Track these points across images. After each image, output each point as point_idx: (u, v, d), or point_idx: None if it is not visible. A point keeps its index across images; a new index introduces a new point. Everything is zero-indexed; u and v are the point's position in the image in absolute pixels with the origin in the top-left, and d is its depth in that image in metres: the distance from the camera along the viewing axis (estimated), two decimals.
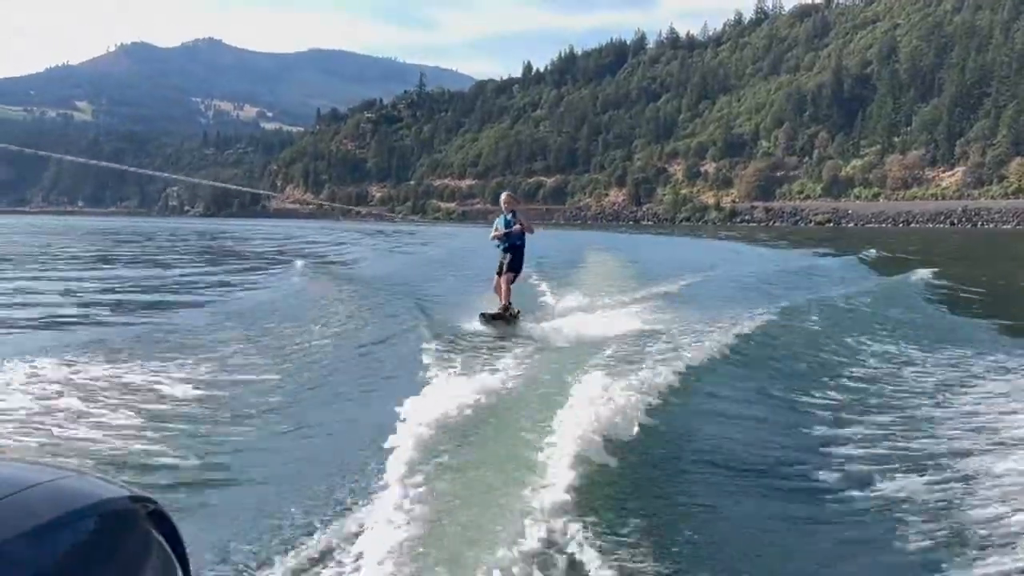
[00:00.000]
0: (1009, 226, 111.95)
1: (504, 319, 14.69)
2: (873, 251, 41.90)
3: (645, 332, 13.41)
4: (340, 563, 4.84)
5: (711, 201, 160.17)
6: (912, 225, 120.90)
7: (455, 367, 10.13)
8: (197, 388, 10.21)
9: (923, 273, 25.80)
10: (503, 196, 16.85)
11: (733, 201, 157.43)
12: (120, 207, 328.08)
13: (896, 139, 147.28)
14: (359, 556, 4.84)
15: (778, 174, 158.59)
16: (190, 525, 4.45)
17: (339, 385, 10.71)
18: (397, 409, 7.24)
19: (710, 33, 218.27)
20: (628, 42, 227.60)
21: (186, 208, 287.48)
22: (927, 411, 9.16)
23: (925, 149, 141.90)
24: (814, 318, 15.33)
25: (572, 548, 4.91)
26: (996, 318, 17.74)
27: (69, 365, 10.84)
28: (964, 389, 10.26)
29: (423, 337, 12.85)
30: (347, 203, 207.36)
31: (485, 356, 11.64)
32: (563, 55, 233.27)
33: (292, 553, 4.98)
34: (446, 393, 7.88)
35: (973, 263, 40.98)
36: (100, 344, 12.99)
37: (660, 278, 24.36)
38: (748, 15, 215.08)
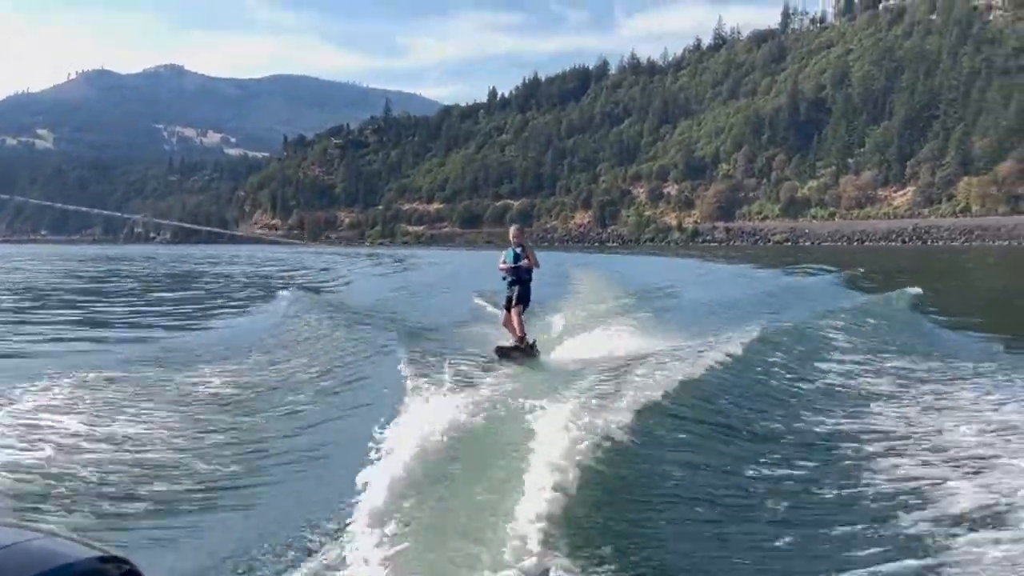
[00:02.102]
0: (957, 243, 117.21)
1: (521, 351, 14.49)
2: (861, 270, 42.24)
3: (628, 355, 13.55)
4: None
5: (674, 222, 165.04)
6: (866, 243, 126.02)
7: (435, 393, 10.00)
8: (173, 417, 10.29)
9: (912, 290, 26.21)
10: (512, 229, 16.20)
11: (695, 222, 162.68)
12: (85, 235, 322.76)
13: (850, 160, 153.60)
14: None
15: (738, 195, 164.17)
16: (167, 557, 5.68)
17: (319, 412, 10.78)
18: (376, 435, 7.47)
19: (670, 58, 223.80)
20: (591, 68, 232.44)
21: (152, 235, 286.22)
22: (912, 431, 9.24)
23: (877, 170, 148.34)
24: (795, 338, 15.46)
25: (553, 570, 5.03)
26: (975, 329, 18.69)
27: (50, 391, 11.03)
28: (953, 408, 10.33)
29: (405, 362, 12.82)
30: (316, 227, 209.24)
31: (463, 382, 11.62)
32: (527, 81, 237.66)
33: None
34: (424, 420, 7.92)
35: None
36: (78, 373, 12.87)
37: (641, 299, 25.09)
38: (706, 39, 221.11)
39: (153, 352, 16.59)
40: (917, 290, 26.01)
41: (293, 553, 5.55)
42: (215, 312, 28.10)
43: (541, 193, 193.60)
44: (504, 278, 15.33)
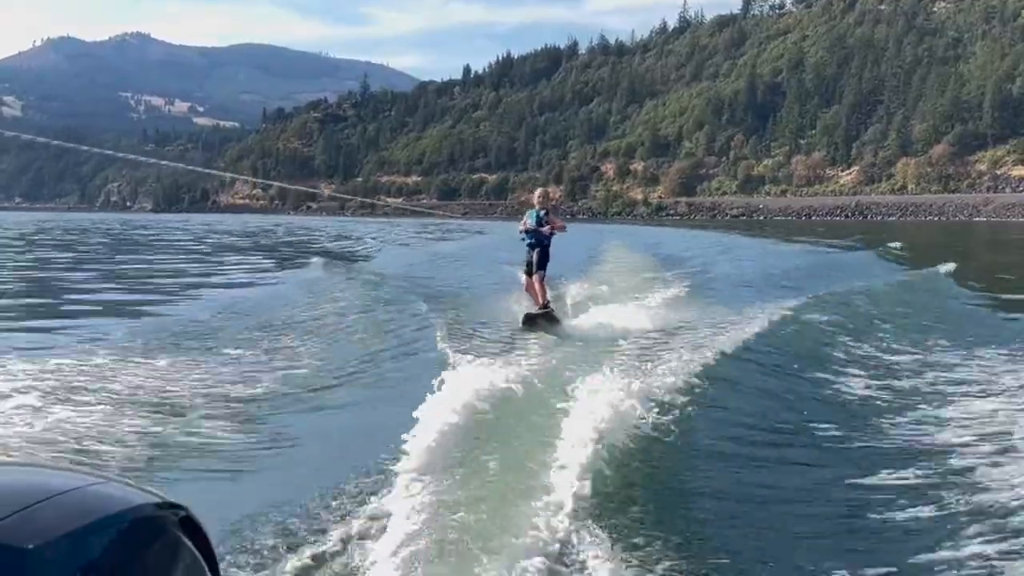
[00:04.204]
0: (894, 218, 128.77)
1: (545, 318, 14.17)
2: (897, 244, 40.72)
3: (662, 326, 13.52)
4: (351, 563, 4.93)
5: (639, 197, 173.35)
6: (813, 218, 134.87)
7: (468, 364, 9.83)
8: (208, 384, 10.24)
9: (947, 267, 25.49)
10: (537, 192, 16.05)
11: (659, 197, 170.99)
12: (59, 203, 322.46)
13: (802, 141, 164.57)
14: (369, 557, 4.92)
15: (699, 172, 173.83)
16: (217, 506, 5.85)
17: (352, 382, 10.72)
18: (408, 407, 7.40)
19: (637, 40, 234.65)
20: (561, 47, 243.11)
21: (128, 204, 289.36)
22: (939, 407, 9.06)
23: (826, 151, 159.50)
24: (833, 309, 14.97)
25: (584, 548, 5.00)
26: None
27: (77, 361, 10.87)
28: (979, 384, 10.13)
29: (436, 332, 12.74)
30: (298, 200, 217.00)
31: (496, 353, 11.50)
32: (501, 59, 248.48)
33: (302, 553, 5.05)
34: (459, 391, 7.79)
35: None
36: (108, 339, 12.90)
37: (671, 270, 25.65)
38: (671, 19, 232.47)
39: (197, 315, 16.87)
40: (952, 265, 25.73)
41: (335, 509, 5.72)
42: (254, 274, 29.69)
43: (515, 168, 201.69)
44: (523, 239, 15.15)
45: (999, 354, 11.95)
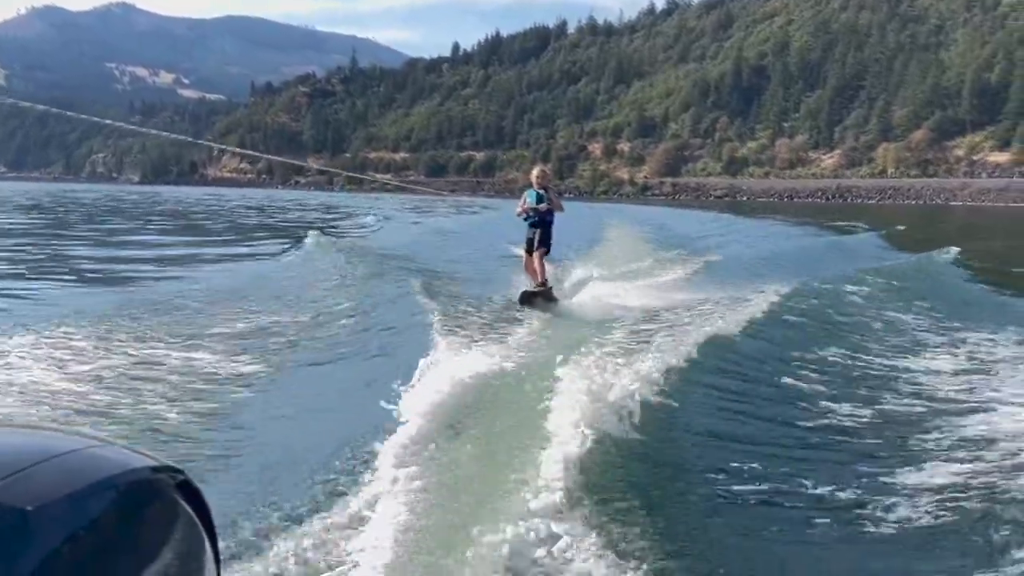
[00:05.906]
0: (873, 201, 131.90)
1: (543, 296, 14.04)
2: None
3: (658, 306, 13.41)
4: (333, 550, 4.79)
5: (626, 177, 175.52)
6: (795, 200, 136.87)
7: (458, 344, 9.75)
8: (193, 363, 9.99)
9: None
10: (535, 171, 15.58)
11: (645, 177, 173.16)
12: (44, 173, 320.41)
13: (785, 124, 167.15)
14: (351, 545, 4.79)
15: (684, 153, 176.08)
16: (210, 472, 6.05)
17: (340, 362, 10.52)
18: (397, 389, 7.43)
19: (625, 21, 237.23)
20: (550, 27, 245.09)
21: (114, 175, 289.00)
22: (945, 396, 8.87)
23: (809, 134, 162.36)
24: (833, 293, 14.78)
25: (568, 541, 4.81)
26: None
27: (69, 336, 10.78)
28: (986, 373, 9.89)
29: (429, 311, 12.41)
30: (286, 174, 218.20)
31: (489, 333, 11.32)
32: (489, 37, 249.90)
33: (284, 538, 4.89)
34: (449, 372, 7.81)
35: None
36: (98, 314, 12.50)
37: (673, 250, 25.70)
38: (660, 1, 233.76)
39: (182, 289, 16.57)
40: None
41: (320, 494, 5.58)
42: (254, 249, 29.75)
43: (502, 146, 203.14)
44: (525, 219, 14.84)
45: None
